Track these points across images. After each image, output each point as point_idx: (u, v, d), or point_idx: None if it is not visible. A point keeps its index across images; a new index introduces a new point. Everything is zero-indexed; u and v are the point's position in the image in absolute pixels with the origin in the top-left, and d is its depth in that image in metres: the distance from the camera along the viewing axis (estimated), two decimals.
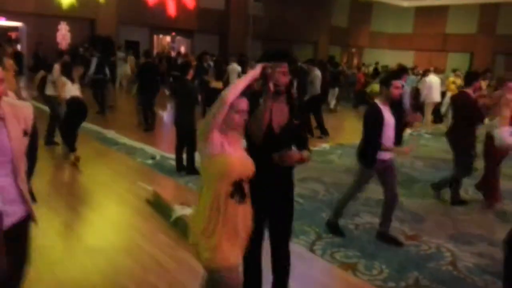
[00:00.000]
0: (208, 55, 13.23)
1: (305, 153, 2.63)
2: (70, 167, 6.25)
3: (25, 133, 1.99)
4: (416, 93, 12.50)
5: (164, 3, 17.84)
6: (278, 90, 2.55)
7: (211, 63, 12.66)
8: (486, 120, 5.80)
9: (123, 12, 17.61)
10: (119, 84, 15.88)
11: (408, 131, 10.84)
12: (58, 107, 6.84)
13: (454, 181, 5.57)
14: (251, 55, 19.27)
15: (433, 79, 11.36)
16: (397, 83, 3.98)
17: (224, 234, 2.16)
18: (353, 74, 16.63)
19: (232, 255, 2.20)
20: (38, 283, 3.05)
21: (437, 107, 12.17)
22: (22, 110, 2.01)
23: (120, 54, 16.15)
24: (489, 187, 5.56)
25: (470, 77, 5.68)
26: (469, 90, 5.49)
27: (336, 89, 14.37)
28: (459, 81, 12.72)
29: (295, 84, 10.39)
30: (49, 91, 7.25)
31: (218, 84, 11.14)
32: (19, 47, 16.47)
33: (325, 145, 8.62)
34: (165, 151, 7.26)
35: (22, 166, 2.02)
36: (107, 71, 10.66)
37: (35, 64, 13.84)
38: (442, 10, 23.54)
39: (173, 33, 21.22)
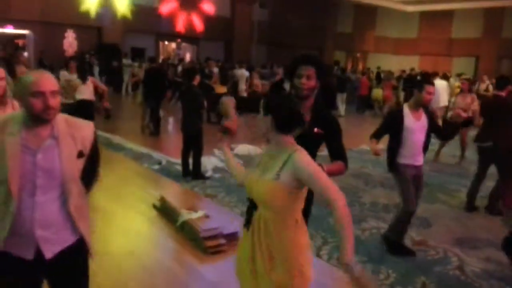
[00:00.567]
0: (213, 61, 13.35)
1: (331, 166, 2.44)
2: None
3: (80, 154, 1.85)
4: None
5: (174, 15, 18.01)
6: (299, 94, 2.46)
7: (216, 69, 12.76)
8: None
9: (129, 20, 17.75)
10: (125, 90, 16.00)
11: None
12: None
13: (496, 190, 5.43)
14: (256, 61, 19.37)
15: (439, 84, 11.35)
16: (431, 88, 3.89)
17: None
18: (358, 78, 16.64)
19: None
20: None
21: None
22: (81, 129, 1.88)
23: (126, 61, 16.28)
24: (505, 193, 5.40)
25: (503, 81, 5.54)
26: (503, 94, 5.42)
27: (344, 94, 14.43)
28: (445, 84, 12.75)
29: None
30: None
31: (222, 89, 11.23)
32: (26, 54, 16.64)
33: None
34: (171, 156, 7.30)
35: (75, 190, 1.85)
36: (102, 79, 10.84)
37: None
38: (447, 14, 23.49)
39: (179, 40, 21.34)
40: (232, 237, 4.09)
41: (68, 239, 1.88)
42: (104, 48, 17.00)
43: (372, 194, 6.04)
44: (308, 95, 2.48)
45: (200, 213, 4.39)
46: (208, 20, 20.34)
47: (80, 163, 1.86)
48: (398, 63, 22.67)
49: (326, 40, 24.62)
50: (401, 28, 25.57)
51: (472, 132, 6.16)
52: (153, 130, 9.32)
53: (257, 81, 13.18)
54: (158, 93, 9.45)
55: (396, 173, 4.04)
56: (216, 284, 3.47)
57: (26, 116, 1.77)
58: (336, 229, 1.85)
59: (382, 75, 17.28)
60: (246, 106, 9.13)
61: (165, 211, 4.78)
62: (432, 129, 4.04)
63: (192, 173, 6.32)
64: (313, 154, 2.38)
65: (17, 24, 15.82)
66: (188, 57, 21.47)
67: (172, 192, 5.62)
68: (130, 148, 7.89)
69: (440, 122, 6.26)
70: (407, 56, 24.65)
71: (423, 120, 3.97)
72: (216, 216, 4.47)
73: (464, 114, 5.47)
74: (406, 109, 3.96)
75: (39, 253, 1.80)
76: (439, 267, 3.90)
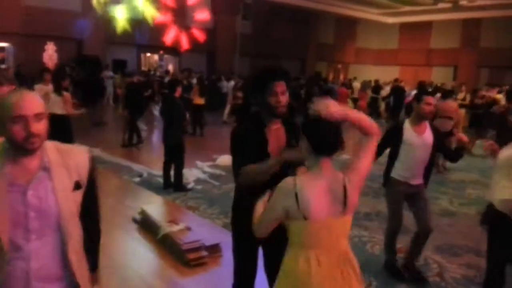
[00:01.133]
0: (193, 72, 13.44)
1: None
2: None
3: (77, 186, 1.59)
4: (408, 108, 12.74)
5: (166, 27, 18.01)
6: (276, 112, 2.30)
7: (194, 80, 12.90)
8: None
9: (111, 32, 17.67)
10: (107, 102, 15.85)
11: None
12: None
13: None
14: (239, 73, 19.42)
15: None
16: (429, 98, 3.66)
17: None
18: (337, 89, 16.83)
19: None
20: None
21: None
22: (75, 157, 1.61)
23: (108, 74, 16.18)
24: None
25: None
26: None
27: None
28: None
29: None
30: None
31: (200, 101, 11.34)
32: (3, 67, 16.40)
33: None
34: (152, 168, 7.23)
35: (75, 230, 1.59)
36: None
37: (18, 85, 13.76)
38: (426, 25, 24.01)
39: (161, 52, 21.30)
40: (214, 249, 4.06)
41: None
42: (85, 60, 16.85)
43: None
44: (285, 111, 2.34)
45: (181, 226, 4.35)
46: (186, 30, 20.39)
47: (78, 197, 1.60)
48: (378, 74, 23.01)
49: (308, 51, 24.90)
50: (381, 39, 26.04)
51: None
52: (131, 142, 9.26)
53: (239, 94, 13.28)
54: (137, 107, 9.47)
55: (387, 187, 3.90)
56: None
57: (9, 146, 1.50)
58: None
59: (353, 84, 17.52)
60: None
61: (145, 224, 4.72)
62: (439, 148, 3.74)
63: (173, 185, 6.28)
64: (294, 168, 2.25)
65: None
66: (170, 68, 21.43)
67: (153, 204, 5.56)
68: (110, 161, 7.80)
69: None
70: (387, 67, 25.06)
71: (427, 136, 3.66)
72: (197, 228, 4.43)
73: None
74: (406, 123, 3.74)
75: None
76: None
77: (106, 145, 8.99)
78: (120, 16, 15.54)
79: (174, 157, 6.29)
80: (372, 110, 16.45)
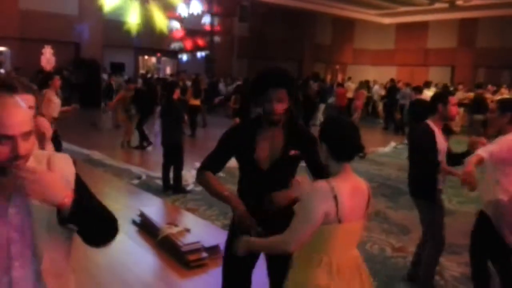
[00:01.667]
0: (185, 74, 13.55)
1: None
2: None
3: None
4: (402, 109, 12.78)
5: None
6: (270, 119, 2.20)
7: (189, 83, 13.00)
8: None
9: (108, 35, 17.70)
10: (105, 105, 15.86)
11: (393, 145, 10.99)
12: None
13: None
14: (237, 74, 19.47)
15: (429, 95, 11.66)
16: (454, 99, 3.46)
17: None
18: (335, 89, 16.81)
19: None
20: None
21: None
22: (57, 163, 1.37)
23: (105, 77, 16.21)
24: None
25: None
26: None
27: (323, 105, 14.60)
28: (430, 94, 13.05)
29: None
30: None
31: (195, 102, 11.39)
32: (2, 71, 16.40)
33: None
34: (151, 170, 7.23)
35: (52, 246, 1.33)
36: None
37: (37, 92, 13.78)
38: (422, 25, 24.09)
39: (159, 54, 21.34)
40: (213, 251, 4.07)
41: None
42: (82, 64, 16.88)
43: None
44: (280, 119, 2.22)
45: (180, 227, 4.36)
46: (188, 33, 20.43)
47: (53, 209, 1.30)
48: (376, 74, 23.07)
49: (305, 53, 24.96)
50: (378, 39, 26.10)
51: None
52: (142, 144, 9.35)
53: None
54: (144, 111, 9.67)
55: (434, 201, 3.49)
56: None
57: None
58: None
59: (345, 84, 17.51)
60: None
61: (145, 226, 4.73)
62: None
63: (173, 187, 6.28)
64: (290, 178, 2.23)
65: None
66: (168, 71, 21.47)
67: (153, 207, 5.56)
68: (110, 163, 7.81)
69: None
70: (385, 67, 25.12)
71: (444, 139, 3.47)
72: (197, 229, 4.44)
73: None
74: (433, 126, 3.38)
75: None
76: None
77: (104, 147, 9.00)
78: (134, 20, 15.62)
79: (173, 159, 6.30)
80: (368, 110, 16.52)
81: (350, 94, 15.79)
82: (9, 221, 1.26)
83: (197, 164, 8.16)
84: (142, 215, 4.86)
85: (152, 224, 4.57)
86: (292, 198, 2.11)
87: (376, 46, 26.27)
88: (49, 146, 4.45)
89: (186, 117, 6.90)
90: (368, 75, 22.66)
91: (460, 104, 11.24)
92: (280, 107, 2.17)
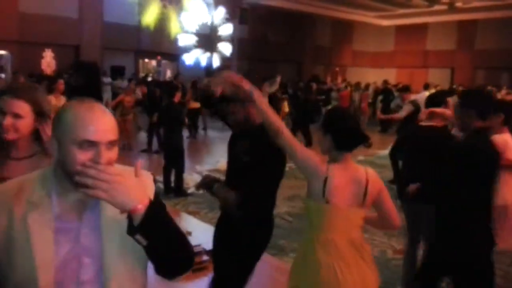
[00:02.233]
0: (184, 77, 13.60)
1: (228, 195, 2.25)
2: None
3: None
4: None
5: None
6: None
7: (188, 85, 13.05)
8: None
9: (108, 38, 17.73)
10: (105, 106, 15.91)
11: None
12: None
13: None
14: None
15: (424, 96, 11.65)
16: (451, 100, 3.55)
17: None
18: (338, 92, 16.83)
19: None
20: None
21: None
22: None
23: (106, 80, 16.21)
24: None
25: None
26: None
27: (329, 107, 14.64)
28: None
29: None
30: None
31: (195, 104, 11.42)
32: (3, 76, 16.42)
33: None
34: (152, 173, 7.22)
35: (120, 271, 1.20)
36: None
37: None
38: (421, 27, 24.15)
39: (159, 57, 21.36)
40: None
41: None
42: (82, 67, 16.88)
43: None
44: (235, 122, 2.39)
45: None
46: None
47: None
48: (376, 76, 23.10)
49: (305, 55, 25.00)
50: (377, 41, 26.16)
51: None
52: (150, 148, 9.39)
53: None
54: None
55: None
56: None
57: (59, 174, 1.16)
58: None
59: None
60: None
61: None
62: None
63: (174, 190, 6.29)
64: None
65: None
66: (168, 74, 21.47)
67: None
68: None
69: None
70: (384, 69, 25.16)
71: None
72: (198, 233, 4.46)
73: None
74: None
75: None
76: None
77: None
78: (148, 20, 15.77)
79: (174, 162, 6.31)
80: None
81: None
82: (81, 242, 1.17)
83: (198, 168, 8.19)
84: None
85: None
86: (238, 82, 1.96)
87: (375, 48, 26.32)
88: None
89: (186, 120, 6.92)
90: (368, 77, 22.70)
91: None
92: (234, 117, 2.39)
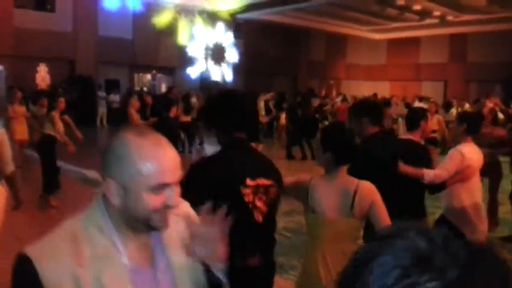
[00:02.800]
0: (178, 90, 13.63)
1: None
2: (51, 212, 6.14)
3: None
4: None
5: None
6: None
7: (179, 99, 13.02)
8: None
9: (103, 52, 17.78)
10: (100, 123, 15.84)
11: None
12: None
13: None
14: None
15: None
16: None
17: None
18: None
19: None
20: None
21: None
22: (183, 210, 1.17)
23: (101, 94, 16.21)
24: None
25: None
26: None
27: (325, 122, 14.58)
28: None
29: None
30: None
31: (186, 118, 11.38)
32: None
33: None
34: None
35: None
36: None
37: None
38: (413, 41, 24.43)
39: (154, 71, 21.40)
40: None
41: None
42: (77, 81, 16.88)
43: None
44: None
45: None
46: (182, 49, 20.62)
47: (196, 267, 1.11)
48: (370, 89, 23.28)
49: (300, 68, 25.21)
50: (370, 55, 26.42)
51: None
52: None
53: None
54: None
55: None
56: None
57: (121, 218, 1.03)
58: None
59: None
60: None
61: None
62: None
63: None
64: None
65: None
66: (164, 87, 21.49)
67: None
68: None
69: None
70: (378, 82, 25.37)
71: None
72: None
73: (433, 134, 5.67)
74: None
75: None
76: None
77: (101, 166, 8.91)
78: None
79: None
80: None
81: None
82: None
83: None
84: None
85: None
86: None
87: (369, 61, 26.58)
88: None
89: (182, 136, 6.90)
90: (362, 90, 22.87)
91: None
92: None
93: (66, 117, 6.85)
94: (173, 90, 13.45)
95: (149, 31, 18.48)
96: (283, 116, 12.39)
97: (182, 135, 10.25)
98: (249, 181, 1.90)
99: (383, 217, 2.11)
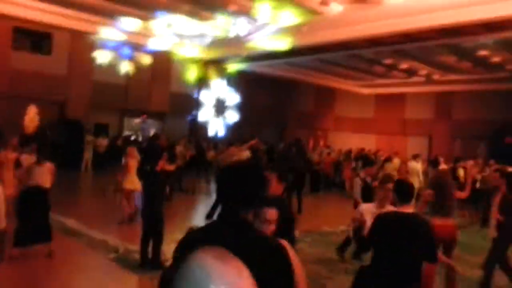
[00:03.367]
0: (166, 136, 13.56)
1: None
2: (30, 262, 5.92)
3: None
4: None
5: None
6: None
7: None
8: None
9: (94, 95, 17.91)
10: (85, 168, 15.66)
11: None
12: None
13: None
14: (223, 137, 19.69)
15: (414, 166, 11.99)
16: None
17: None
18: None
19: None
20: None
21: None
22: None
23: (89, 138, 16.14)
24: None
25: None
26: None
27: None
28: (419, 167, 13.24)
29: None
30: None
31: (170, 167, 11.21)
32: None
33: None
34: (129, 242, 6.99)
35: None
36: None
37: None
38: (400, 97, 25.07)
39: (144, 116, 21.49)
40: None
41: None
42: (66, 124, 16.84)
43: (337, 282, 5.94)
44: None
45: None
46: (174, 96, 20.83)
47: None
48: (357, 141, 23.58)
49: (289, 119, 25.60)
50: (358, 108, 26.95)
51: None
52: None
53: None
54: None
55: None
56: None
57: None
58: None
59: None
60: None
61: None
62: None
63: (151, 262, 6.06)
64: None
65: None
66: (152, 132, 21.49)
67: (129, 286, 5.34)
68: (85, 233, 7.53)
69: None
70: (365, 135, 25.73)
71: None
72: None
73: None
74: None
75: None
76: None
77: (81, 214, 8.73)
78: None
79: (153, 232, 6.14)
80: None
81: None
82: None
83: (179, 236, 7.92)
84: None
85: None
86: None
87: (356, 114, 27.07)
88: None
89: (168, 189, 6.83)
90: (350, 142, 23.15)
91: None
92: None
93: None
94: (161, 137, 13.37)
95: (142, 77, 18.72)
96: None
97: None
98: None
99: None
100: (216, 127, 20.40)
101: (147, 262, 6.07)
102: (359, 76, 22.53)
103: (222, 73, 20.37)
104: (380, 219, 3.51)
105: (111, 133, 19.00)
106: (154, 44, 16.05)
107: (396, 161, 14.68)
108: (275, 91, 24.52)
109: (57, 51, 17.55)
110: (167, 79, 20.90)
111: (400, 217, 3.39)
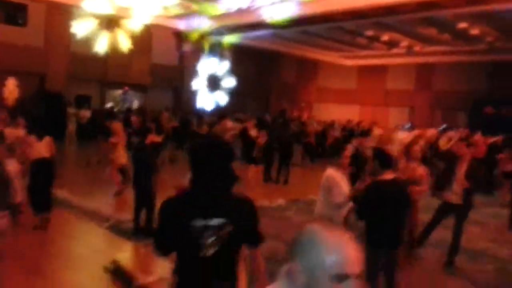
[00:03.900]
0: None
1: None
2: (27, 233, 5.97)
3: None
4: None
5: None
6: None
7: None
8: None
9: (74, 67, 17.54)
10: (69, 140, 15.51)
11: None
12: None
13: None
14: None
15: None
16: None
17: None
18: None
19: None
20: None
21: None
22: None
23: (71, 110, 15.92)
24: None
25: None
26: None
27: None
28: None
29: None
30: None
31: (157, 139, 11.26)
32: None
33: (280, 201, 8.77)
34: (121, 212, 7.08)
35: None
36: None
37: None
38: (382, 68, 25.28)
39: (126, 88, 21.21)
40: None
41: None
42: (46, 96, 16.51)
43: None
44: None
45: (156, 276, 4.29)
46: (156, 68, 20.53)
47: None
48: (340, 112, 23.84)
49: (272, 91, 25.61)
50: (341, 79, 27.10)
51: None
52: None
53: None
54: None
55: None
56: None
57: None
58: None
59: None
60: None
61: (118, 274, 4.62)
62: None
63: (144, 229, 6.18)
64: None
65: None
66: (135, 105, 21.29)
67: (124, 251, 5.47)
68: (77, 204, 7.59)
69: None
70: (348, 105, 25.99)
71: None
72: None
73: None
74: None
75: None
76: None
77: (70, 186, 8.71)
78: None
79: (145, 202, 6.23)
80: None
81: None
82: None
83: None
84: (114, 262, 4.75)
85: (127, 272, 4.48)
86: None
87: (339, 85, 27.23)
88: None
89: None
90: (333, 113, 23.41)
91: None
92: None
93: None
94: (147, 110, 13.35)
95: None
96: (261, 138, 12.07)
97: None
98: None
99: None
100: (206, 101, 20.20)
101: (140, 230, 6.19)
102: (341, 48, 22.57)
103: (214, 46, 20.09)
104: (374, 188, 3.74)
105: (94, 104, 18.75)
106: (135, 15, 15.61)
107: (376, 132, 14.82)
108: (259, 63, 24.42)
109: (32, 22, 17.02)
110: (148, 51, 20.56)
111: (391, 184, 3.66)
